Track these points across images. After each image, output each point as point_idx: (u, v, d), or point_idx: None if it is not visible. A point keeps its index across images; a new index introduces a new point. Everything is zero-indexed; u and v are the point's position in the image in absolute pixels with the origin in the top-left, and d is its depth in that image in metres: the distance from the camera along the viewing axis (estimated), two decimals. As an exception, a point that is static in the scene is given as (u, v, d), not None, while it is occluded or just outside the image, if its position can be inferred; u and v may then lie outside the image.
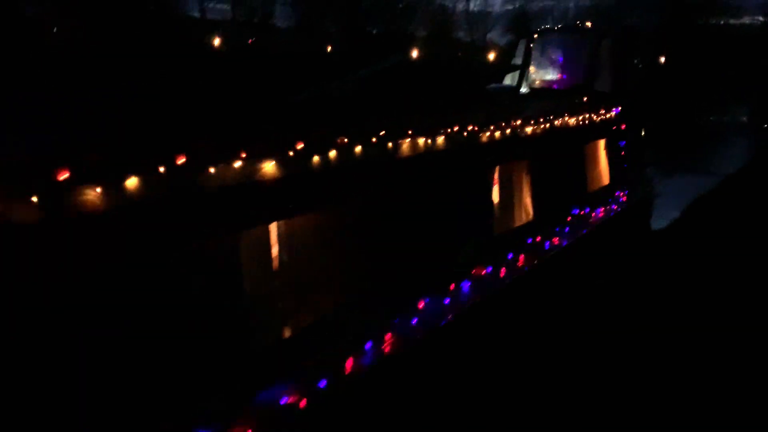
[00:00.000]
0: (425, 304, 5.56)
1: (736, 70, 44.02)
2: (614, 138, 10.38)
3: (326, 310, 4.55)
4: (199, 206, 3.64)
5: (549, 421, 5.70)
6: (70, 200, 2.87)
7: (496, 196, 7.05)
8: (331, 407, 4.17)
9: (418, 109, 5.92)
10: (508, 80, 11.56)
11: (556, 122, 8.15)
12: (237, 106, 4.49)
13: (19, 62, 4.46)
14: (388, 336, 4.80)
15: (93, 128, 3.24)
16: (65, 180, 2.80)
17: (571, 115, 8.68)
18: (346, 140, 4.58)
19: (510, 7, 71.27)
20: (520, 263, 7.06)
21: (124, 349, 3.21)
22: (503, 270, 6.65)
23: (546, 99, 10.41)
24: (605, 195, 10.03)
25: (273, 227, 4.18)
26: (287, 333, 4.40)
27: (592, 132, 9.52)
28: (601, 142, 10.11)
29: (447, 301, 5.73)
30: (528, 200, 7.75)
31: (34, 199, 2.69)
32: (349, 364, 4.40)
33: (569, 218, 8.62)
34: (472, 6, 71.92)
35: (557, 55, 11.28)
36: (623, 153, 10.67)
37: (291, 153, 4.10)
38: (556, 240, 8.00)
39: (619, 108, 10.46)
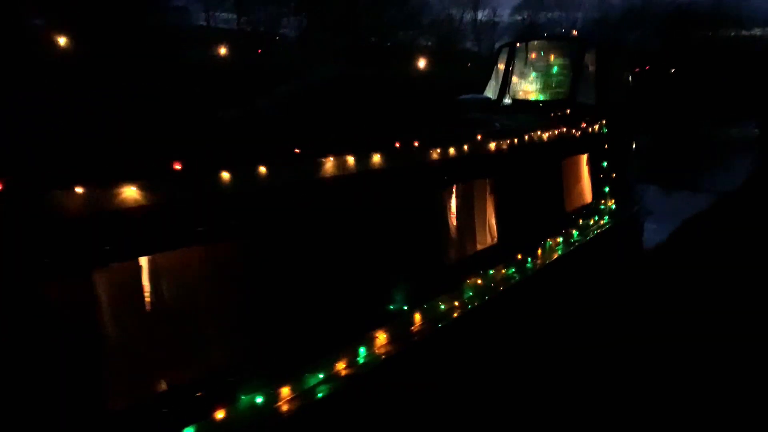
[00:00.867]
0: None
1: (746, 83, 43.29)
2: (598, 153, 9.73)
3: (211, 364, 3.92)
4: (48, 238, 3.07)
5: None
6: None
7: (450, 220, 6.42)
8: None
9: (356, 124, 5.35)
10: (491, 91, 10.99)
11: (527, 136, 7.52)
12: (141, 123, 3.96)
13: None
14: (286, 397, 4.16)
15: None
16: None
17: (546, 129, 8.06)
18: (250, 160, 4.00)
19: (518, 17, 71.26)
20: (476, 292, 6.44)
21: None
22: (456, 305, 6.02)
23: (525, 111, 9.83)
24: (587, 214, 9.37)
25: (144, 262, 3.58)
26: (156, 390, 3.74)
27: (571, 147, 8.88)
28: (583, 158, 9.46)
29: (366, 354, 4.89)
30: (492, 222, 7.12)
31: None
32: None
33: (542, 240, 7.97)
34: (479, 16, 71.95)
35: (539, 65, 10.69)
36: (608, 169, 10.01)
37: (169, 175, 3.51)
38: (525, 264, 7.37)
39: (604, 121, 9.82)
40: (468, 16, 70.99)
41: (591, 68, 10.28)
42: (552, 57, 10.74)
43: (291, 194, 4.29)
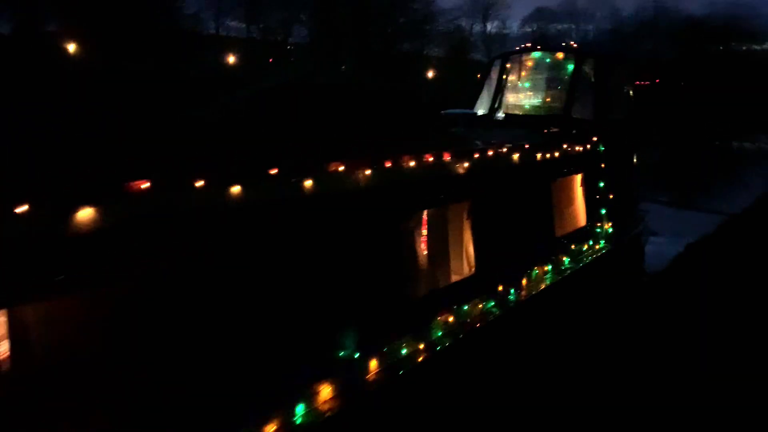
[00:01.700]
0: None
1: (760, 96, 42.57)
2: (594, 172, 9.03)
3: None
4: None
5: None
6: None
7: (417, 249, 5.76)
8: None
9: (304, 141, 4.71)
10: (484, 105, 10.36)
11: (510, 155, 6.86)
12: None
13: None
14: None
15: None
16: None
17: (534, 146, 7.40)
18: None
19: (528, 29, 70.82)
20: (452, 330, 5.76)
21: None
22: (421, 348, 5.34)
23: (517, 127, 9.18)
24: (581, 239, 8.67)
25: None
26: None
27: (563, 166, 8.21)
28: (577, 178, 8.78)
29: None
30: (469, 250, 6.45)
31: None
32: None
33: (527, 269, 7.28)
34: (489, 28, 71.60)
35: (534, 77, 10.04)
36: (606, 189, 9.30)
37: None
38: (507, 296, 6.69)
39: (601, 138, 9.14)
40: (478, 27, 70.71)
41: (588, 81, 9.62)
42: (547, 69, 10.10)
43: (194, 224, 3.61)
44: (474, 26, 70.59)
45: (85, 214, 2.96)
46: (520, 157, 7.02)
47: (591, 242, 8.89)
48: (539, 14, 73.24)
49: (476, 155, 6.19)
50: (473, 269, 6.38)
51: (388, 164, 5.10)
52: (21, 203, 2.72)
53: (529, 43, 11.19)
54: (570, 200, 8.66)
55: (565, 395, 6.55)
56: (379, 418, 4.79)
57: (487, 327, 6.12)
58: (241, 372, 3.86)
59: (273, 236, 4.13)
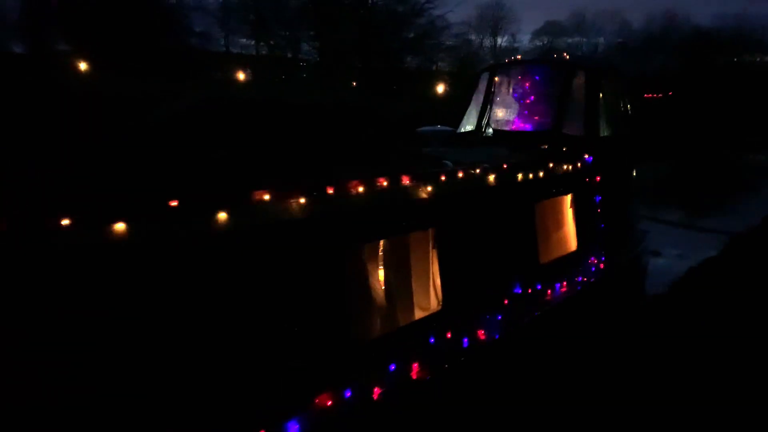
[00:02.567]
0: None
1: (773, 109, 41.73)
2: (584, 193, 8.39)
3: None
4: None
5: None
6: None
7: (370, 284, 5.13)
8: None
9: (220, 164, 4.14)
10: (471, 121, 9.75)
11: (482, 176, 6.25)
12: None
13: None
14: None
15: None
16: None
17: (513, 166, 6.78)
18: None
19: (538, 43, 70.44)
20: (414, 375, 5.13)
21: None
22: (375, 392, 4.70)
23: (502, 144, 8.58)
24: (570, 265, 8.01)
25: None
26: None
27: (549, 187, 7.57)
28: (565, 199, 8.13)
29: None
30: (436, 282, 5.82)
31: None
32: None
33: (506, 301, 6.64)
34: (499, 42, 71.30)
35: (522, 91, 9.43)
36: (598, 210, 8.65)
37: None
38: (481, 333, 6.05)
39: (593, 156, 8.50)
40: (488, 41, 70.40)
41: (579, 95, 8.98)
42: (536, 82, 9.48)
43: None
44: (484, 40, 70.38)
45: None
46: (495, 178, 6.39)
47: (582, 268, 8.23)
48: (549, 27, 72.89)
49: (440, 177, 5.58)
50: (439, 305, 5.75)
51: (330, 191, 4.51)
52: None
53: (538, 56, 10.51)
54: (558, 223, 8.01)
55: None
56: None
57: (456, 369, 5.49)
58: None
59: (174, 284, 3.52)
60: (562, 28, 71.94)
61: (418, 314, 5.59)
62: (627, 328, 8.67)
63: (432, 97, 37.09)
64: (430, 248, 5.74)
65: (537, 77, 9.45)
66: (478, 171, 6.15)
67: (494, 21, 69.36)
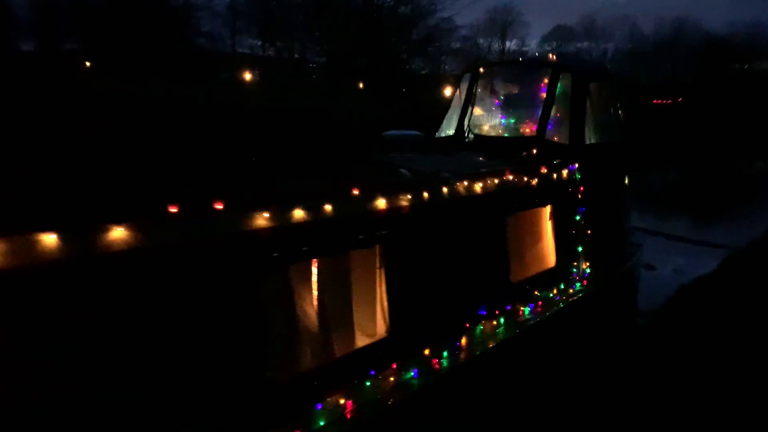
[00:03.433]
0: None
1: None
2: (566, 204, 7.76)
3: None
4: None
5: None
6: None
7: (303, 310, 4.53)
8: None
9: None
10: (452, 125, 9.13)
11: (441, 187, 5.64)
12: None
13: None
14: None
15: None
16: None
17: (479, 176, 6.18)
18: None
19: (547, 47, 69.74)
20: (348, 414, 4.51)
21: None
22: None
23: (480, 151, 7.96)
24: (548, 283, 7.38)
25: None
26: None
27: (523, 198, 6.96)
28: (544, 211, 7.49)
29: None
30: (383, 306, 5.21)
31: None
32: None
33: (468, 324, 6.02)
34: (507, 46, 70.73)
35: (505, 94, 8.82)
36: (582, 222, 8.00)
37: None
38: (435, 362, 5.43)
39: (577, 165, 7.87)
40: (496, 46, 69.86)
41: (565, 100, 8.34)
42: (520, 85, 8.89)
43: None
44: (492, 44, 69.88)
45: None
46: (457, 189, 5.78)
47: (563, 285, 7.59)
48: (559, 32, 72.29)
49: (389, 189, 4.98)
50: (387, 331, 5.14)
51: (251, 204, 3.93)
52: None
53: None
54: (534, 238, 7.39)
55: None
56: None
57: (406, 405, 4.88)
58: None
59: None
60: (572, 32, 71.33)
61: (360, 342, 4.98)
62: (610, 354, 8.01)
63: (434, 101, 36.56)
64: (376, 267, 5.13)
65: (520, 79, 8.84)
66: (435, 181, 5.55)
67: (503, 25, 68.91)
